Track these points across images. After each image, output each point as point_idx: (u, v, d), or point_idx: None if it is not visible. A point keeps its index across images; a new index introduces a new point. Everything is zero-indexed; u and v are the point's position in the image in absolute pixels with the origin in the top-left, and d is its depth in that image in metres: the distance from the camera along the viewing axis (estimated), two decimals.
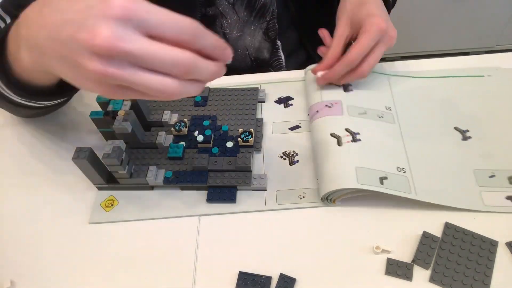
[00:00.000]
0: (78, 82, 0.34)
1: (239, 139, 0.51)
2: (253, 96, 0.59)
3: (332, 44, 0.55)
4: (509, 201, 0.47)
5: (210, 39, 0.34)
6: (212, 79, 0.36)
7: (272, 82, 0.63)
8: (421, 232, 0.45)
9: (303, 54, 0.75)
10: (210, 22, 0.65)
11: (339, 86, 0.57)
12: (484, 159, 0.51)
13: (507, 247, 0.44)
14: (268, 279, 0.43)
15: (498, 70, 0.60)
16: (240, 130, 0.52)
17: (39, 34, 0.34)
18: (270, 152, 0.54)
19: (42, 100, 0.48)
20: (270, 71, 0.71)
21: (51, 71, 0.36)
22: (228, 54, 0.36)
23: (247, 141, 0.51)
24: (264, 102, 0.60)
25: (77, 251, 0.47)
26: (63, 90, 0.48)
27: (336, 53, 0.55)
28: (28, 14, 0.36)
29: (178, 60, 0.32)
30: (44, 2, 0.35)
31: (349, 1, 0.56)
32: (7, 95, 0.46)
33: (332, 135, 0.50)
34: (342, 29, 0.55)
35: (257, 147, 0.54)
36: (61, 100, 0.51)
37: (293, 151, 0.54)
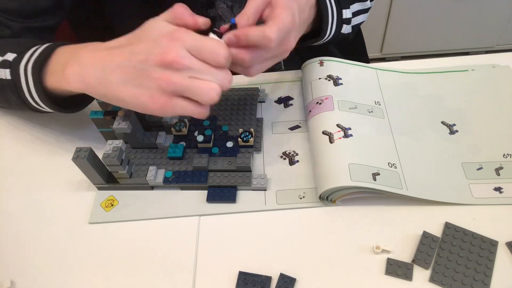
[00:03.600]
0: (137, 96, 0.41)
1: (239, 139, 0.51)
2: (253, 96, 0.59)
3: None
4: (497, 192, 0.48)
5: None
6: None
7: (272, 82, 0.63)
8: (421, 232, 0.45)
9: (299, 58, 0.75)
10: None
11: (328, 80, 0.56)
12: (471, 152, 0.51)
13: (507, 247, 0.44)
14: (268, 279, 0.43)
15: (481, 65, 0.61)
16: (240, 130, 0.52)
17: (100, 68, 0.41)
18: (270, 152, 0.54)
19: (59, 110, 0.49)
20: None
21: (108, 94, 0.42)
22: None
23: (247, 141, 0.51)
24: (264, 102, 0.60)
25: (77, 251, 0.47)
26: (76, 105, 0.52)
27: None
28: (82, 55, 0.43)
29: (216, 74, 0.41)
30: (96, 46, 0.43)
31: None
32: (29, 99, 0.48)
33: (324, 132, 0.51)
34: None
35: (257, 147, 0.54)
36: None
37: (293, 151, 0.54)
